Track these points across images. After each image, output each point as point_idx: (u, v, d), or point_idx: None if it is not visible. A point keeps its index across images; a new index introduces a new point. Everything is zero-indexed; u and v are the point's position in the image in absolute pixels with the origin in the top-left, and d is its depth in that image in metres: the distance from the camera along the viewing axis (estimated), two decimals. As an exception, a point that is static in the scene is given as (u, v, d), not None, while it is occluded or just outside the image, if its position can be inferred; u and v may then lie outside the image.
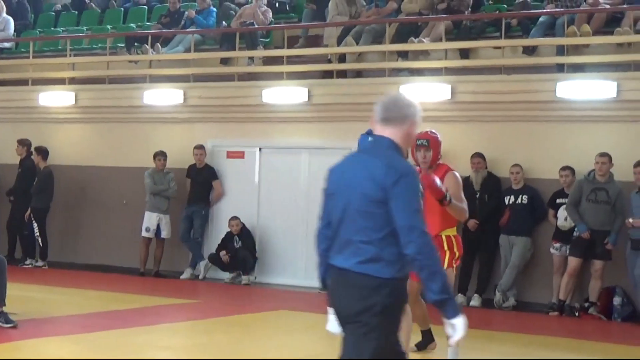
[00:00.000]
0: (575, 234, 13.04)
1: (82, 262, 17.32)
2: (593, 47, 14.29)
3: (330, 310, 5.17)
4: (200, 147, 16.14)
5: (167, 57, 17.55)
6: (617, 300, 12.88)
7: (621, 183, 12.92)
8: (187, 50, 17.33)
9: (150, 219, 16.08)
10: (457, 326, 4.76)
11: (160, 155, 16.19)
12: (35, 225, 16.69)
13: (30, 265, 16.78)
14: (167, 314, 11.99)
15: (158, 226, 16.10)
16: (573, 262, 12.99)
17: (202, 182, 16.15)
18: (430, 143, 8.62)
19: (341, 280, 4.92)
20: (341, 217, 4.98)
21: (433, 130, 8.91)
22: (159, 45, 17.60)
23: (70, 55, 18.41)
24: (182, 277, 15.92)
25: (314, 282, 15.06)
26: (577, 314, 13.06)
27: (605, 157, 12.89)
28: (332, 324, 5.21)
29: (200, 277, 15.89)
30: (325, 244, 5.15)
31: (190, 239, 16.12)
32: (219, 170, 16.37)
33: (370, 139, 5.20)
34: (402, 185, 4.83)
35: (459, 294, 13.74)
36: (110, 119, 17.49)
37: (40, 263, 16.85)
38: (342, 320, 4.96)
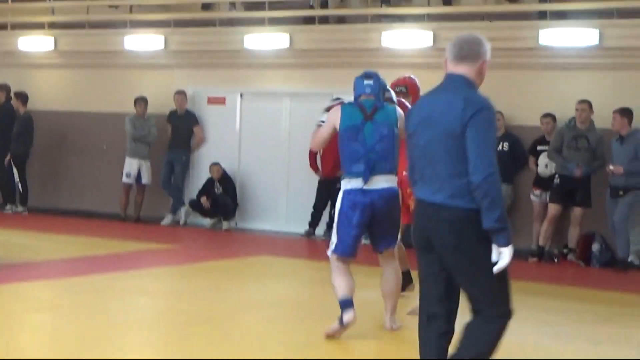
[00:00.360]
0: (555, 181, 13.08)
1: (62, 207, 17.30)
2: (576, -6, 14.27)
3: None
4: (181, 93, 16.07)
5: (147, 1, 17.40)
6: (595, 247, 12.97)
7: (602, 130, 12.95)
8: (168, -5, 17.21)
9: (130, 165, 16.05)
10: (505, 254, 4.91)
11: (140, 101, 16.12)
12: (15, 170, 16.62)
13: (10, 211, 16.73)
14: (147, 259, 12.00)
15: (139, 172, 16.07)
16: (553, 209, 13.05)
17: (183, 127, 16.09)
18: (409, 89, 8.61)
19: (434, 214, 5.04)
20: (424, 153, 5.11)
21: (411, 76, 8.91)
22: (139, -10, 17.45)
23: (49, 0, 18.23)
24: (162, 222, 15.94)
25: (295, 227, 15.21)
26: (556, 260, 13.15)
27: (585, 104, 12.91)
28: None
29: (181, 222, 15.93)
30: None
31: (171, 185, 16.11)
32: (199, 116, 16.31)
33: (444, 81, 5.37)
34: (479, 118, 5.01)
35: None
36: (91, 65, 17.37)
37: (20, 209, 16.80)
38: (439, 253, 5.06)
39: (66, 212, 17.00)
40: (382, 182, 7.34)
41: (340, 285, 7.44)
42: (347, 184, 7.39)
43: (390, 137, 7.36)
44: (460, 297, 5.17)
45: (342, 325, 7.36)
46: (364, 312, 7.72)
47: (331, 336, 7.39)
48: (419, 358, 5.25)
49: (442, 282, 5.12)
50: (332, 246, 7.48)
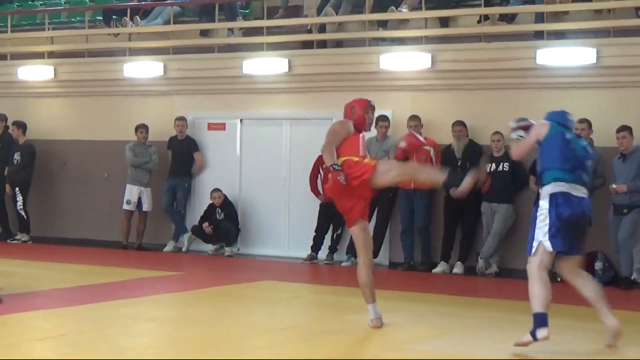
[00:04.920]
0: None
1: (63, 236, 17.33)
2: (572, 14, 14.33)
3: None
4: (181, 119, 16.13)
5: (146, 29, 17.46)
6: (598, 265, 12.97)
7: (601, 149, 12.98)
8: (167, 23, 17.25)
9: (131, 192, 16.08)
10: None
11: (142, 128, 16.17)
12: (20, 199, 16.68)
13: (19, 241, 16.74)
14: (151, 286, 12.01)
15: (140, 199, 16.09)
16: (554, 228, 13.05)
17: (183, 153, 16.14)
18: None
19: None
20: None
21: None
22: (138, 18, 17.50)
23: (48, 29, 18.32)
24: (165, 249, 15.95)
25: (297, 252, 15.22)
26: (558, 279, 13.06)
27: (585, 124, 12.95)
28: None
29: (184, 249, 15.92)
30: None
31: (174, 211, 16.13)
32: (200, 142, 16.35)
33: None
34: None
35: (442, 262, 13.82)
36: (90, 93, 17.44)
37: (24, 237, 16.80)
38: None
39: (67, 240, 17.03)
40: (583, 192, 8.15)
41: (539, 296, 7.73)
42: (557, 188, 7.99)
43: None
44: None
45: (535, 340, 7.72)
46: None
47: (520, 345, 7.73)
48: None
49: None
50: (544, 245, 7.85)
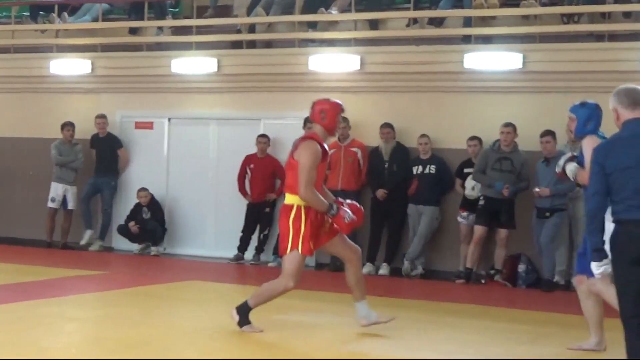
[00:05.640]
0: (480, 202, 13.24)
1: (-13, 234, 17.08)
2: (500, 19, 14.50)
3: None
4: (102, 116, 16.00)
5: (74, 26, 17.28)
6: (521, 268, 13.16)
7: (526, 153, 13.16)
8: (95, 20, 17.10)
9: (56, 190, 15.92)
10: None
11: (68, 126, 15.99)
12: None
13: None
14: (75, 286, 11.88)
15: (65, 197, 15.91)
16: (479, 230, 13.21)
17: (107, 151, 16.01)
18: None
19: None
20: None
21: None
22: (66, 15, 17.31)
23: (-27, 24, 18.04)
24: (90, 248, 15.80)
25: (224, 252, 15.18)
26: (483, 281, 13.30)
27: (510, 127, 13.13)
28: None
29: (82, 242, 15.83)
30: (603, 214, 6.19)
31: (88, 206, 15.93)
32: (127, 141, 16.23)
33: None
34: None
35: (368, 263, 13.88)
36: (16, 89, 17.20)
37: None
38: None
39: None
40: None
41: None
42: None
43: None
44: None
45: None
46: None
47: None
48: None
49: None
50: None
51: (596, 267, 6.32)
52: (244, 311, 8.37)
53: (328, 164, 14.03)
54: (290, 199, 8.21)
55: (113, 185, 16.05)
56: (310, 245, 8.12)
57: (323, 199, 8.15)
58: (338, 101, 8.58)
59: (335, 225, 8.25)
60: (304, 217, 8.10)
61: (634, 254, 6.00)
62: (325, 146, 8.35)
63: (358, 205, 8.51)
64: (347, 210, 8.19)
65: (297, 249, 8.10)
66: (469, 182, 13.49)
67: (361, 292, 8.52)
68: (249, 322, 8.36)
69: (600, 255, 6.28)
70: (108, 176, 15.99)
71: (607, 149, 6.23)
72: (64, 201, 15.92)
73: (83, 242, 15.86)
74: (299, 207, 8.13)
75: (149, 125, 16.31)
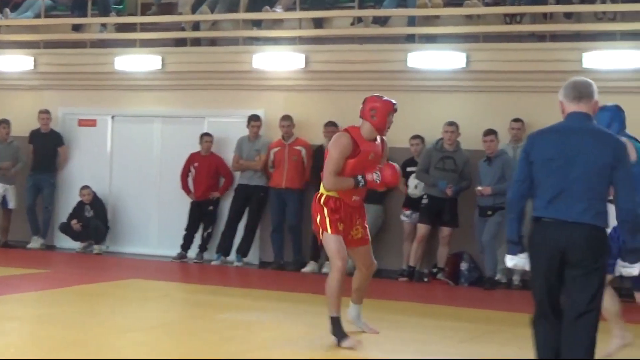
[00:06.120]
0: (424, 201, 13.31)
1: None
2: (443, 19, 14.59)
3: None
4: (45, 112, 15.82)
5: (16, 22, 17.08)
6: (464, 266, 13.25)
7: (468, 152, 13.26)
8: (37, 16, 16.92)
9: (-5, 189, 15.72)
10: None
11: (3, 124, 15.78)
12: None
13: None
14: (16, 284, 11.74)
15: (4, 197, 15.71)
16: (422, 229, 13.28)
17: (47, 148, 15.81)
18: None
19: (576, 231, 5.84)
20: (573, 178, 5.87)
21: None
22: (8, 10, 17.11)
23: None
24: (29, 246, 15.61)
25: (167, 250, 15.11)
26: (426, 279, 13.37)
27: (453, 126, 13.21)
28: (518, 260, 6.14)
29: (28, 246, 15.64)
30: (523, 204, 6.09)
31: (34, 213, 15.73)
32: (70, 138, 16.10)
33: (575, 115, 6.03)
34: (626, 156, 6.00)
35: (311, 261, 13.88)
36: (-44, 86, 16.97)
37: None
38: (569, 265, 5.86)
39: None
40: None
41: None
42: None
43: None
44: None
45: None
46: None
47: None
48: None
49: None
50: None
51: (509, 260, 6.19)
52: (334, 326, 8.20)
53: (272, 162, 14.22)
54: (321, 187, 8.34)
55: (52, 182, 15.88)
56: (339, 226, 8.22)
57: (346, 179, 8.16)
58: (391, 100, 8.42)
59: (366, 225, 8.62)
60: (324, 205, 8.23)
61: (548, 256, 5.90)
62: (366, 143, 8.24)
63: (395, 166, 8.46)
64: (375, 173, 8.20)
65: (327, 231, 8.20)
66: (412, 181, 13.55)
67: (359, 297, 8.89)
68: (345, 335, 8.13)
69: (515, 249, 6.13)
70: (47, 173, 15.82)
71: (536, 139, 6.12)
72: (3, 200, 15.73)
73: (29, 245, 15.67)
74: (321, 195, 8.29)
75: (92, 123, 16.18)
